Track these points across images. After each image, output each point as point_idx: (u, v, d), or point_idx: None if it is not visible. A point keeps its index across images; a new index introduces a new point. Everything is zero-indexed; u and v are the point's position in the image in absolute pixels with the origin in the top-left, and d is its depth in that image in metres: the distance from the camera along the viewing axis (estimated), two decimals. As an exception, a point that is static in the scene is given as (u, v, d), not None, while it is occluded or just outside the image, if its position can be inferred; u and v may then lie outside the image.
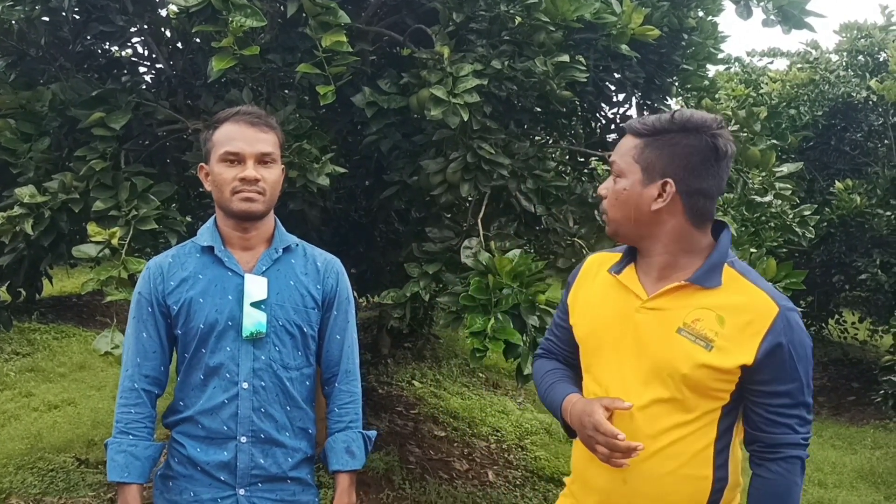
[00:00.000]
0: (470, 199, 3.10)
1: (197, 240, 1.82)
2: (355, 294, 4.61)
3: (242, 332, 1.74)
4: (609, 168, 1.69)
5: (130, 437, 1.76)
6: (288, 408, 1.83)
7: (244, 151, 1.73)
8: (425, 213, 3.44)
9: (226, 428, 1.76)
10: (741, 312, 1.48)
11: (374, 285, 4.03)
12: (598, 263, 1.74)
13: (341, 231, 4.04)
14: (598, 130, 4.06)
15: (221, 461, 1.77)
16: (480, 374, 7.75)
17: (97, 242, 2.38)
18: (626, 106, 3.72)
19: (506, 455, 5.24)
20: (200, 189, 4.14)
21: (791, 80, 7.63)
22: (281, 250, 1.84)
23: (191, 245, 1.83)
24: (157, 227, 2.55)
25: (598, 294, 1.67)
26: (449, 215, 3.29)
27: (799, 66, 8.03)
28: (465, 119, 2.60)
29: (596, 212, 3.31)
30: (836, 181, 7.00)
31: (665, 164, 1.47)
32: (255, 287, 1.76)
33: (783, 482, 1.49)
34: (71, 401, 6.21)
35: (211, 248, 1.78)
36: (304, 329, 1.83)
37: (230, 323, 1.75)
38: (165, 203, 2.71)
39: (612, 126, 3.80)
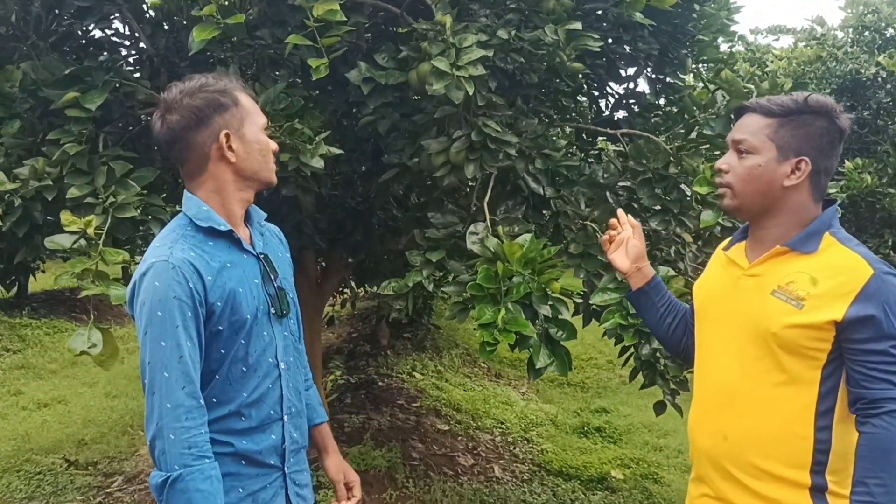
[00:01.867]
0: (475, 181, 2.91)
1: (200, 221, 1.65)
2: (353, 284, 4.42)
3: (278, 311, 1.74)
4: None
5: (207, 460, 1.56)
6: (299, 376, 1.86)
7: (266, 121, 1.76)
8: (426, 198, 3.24)
9: (272, 412, 1.73)
10: (835, 273, 1.55)
11: (372, 274, 3.83)
12: (720, 248, 1.86)
13: (337, 218, 3.84)
14: (608, 108, 3.86)
15: (272, 445, 1.72)
16: (482, 364, 7.58)
17: (72, 232, 2.18)
18: (637, 82, 3.52)
19: (511, 448, 5.06)
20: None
21: (797, 57, 7.42)
22: (262, 223, 1.86)
23: (189, 228, 1.66)
24: (137, 214, 2.35)
25: (711, 273, 1.85)
26: (452, 199, 3.09)
27: (804, 43, 7.83)
28: (470, 93, 2.39)
29: (608, 193, 3.12)
30: (846, 160, 6.80)
31: (800, 143, 1.60)
32: (273, 265, 1.77)
33: (887, 436, 1.50)
34: (62, 398, 6.02)
35: (218, 231, 1.66)
36: (295, 297, 1.88)
37: (263, 307, 1.71)
38: (147, 189, 2.50)
39: (624, 102, 3.59)
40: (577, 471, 4.67)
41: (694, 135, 3.10)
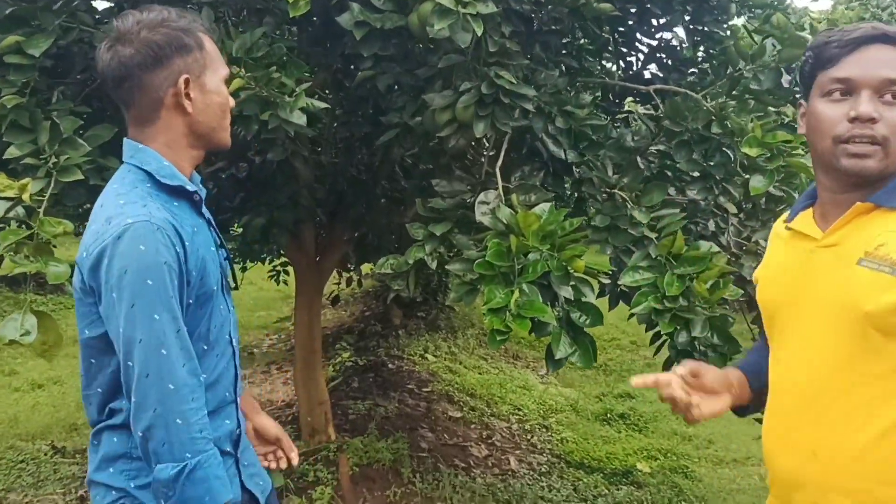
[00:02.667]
0: (485, 142, 2.54)
1: (165, 179, 1.44)
2: (354, 261, 4.06)
3: (230, 283, 1.63)
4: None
5: (213, 444, 1.40)
6: None
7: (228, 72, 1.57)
8: (432, 164, 2.87)
9: (227, 395, 1.56)
10: None
11: (375, 251, 3.48)
12: (778, 223, 1.53)
13: (337, 189, 3.49)
14: (638, 63, 3.45)
15: (228, 431, 1.55)
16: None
17: (5, 198, 1.84)
18: (672, 32, 3.11)
19: (528, 437, 4.72)
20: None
21: (838, 18, 6.94)
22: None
23: (150, 185, 1.44)
24: (84, 178, 2.01)
25: (773, 255, 1.52)
26: (460, 165, 2.73)
27: (845, 4, 7.34)
28: (479, 34, 2.02)
29: (639, 158, 2.73)
30: None
31: None
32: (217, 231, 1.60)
33: None
34: (57, 379, 5.75)
35: (183, 190, 1.48)
36: None
37: (222, 277, 1.57)
38: (103, 150, 2.16)
39: (656, 57, 3.19)
40: (599, 463, 4.32)
41: (737, 91, 2.70)
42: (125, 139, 1.49)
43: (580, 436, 4.81)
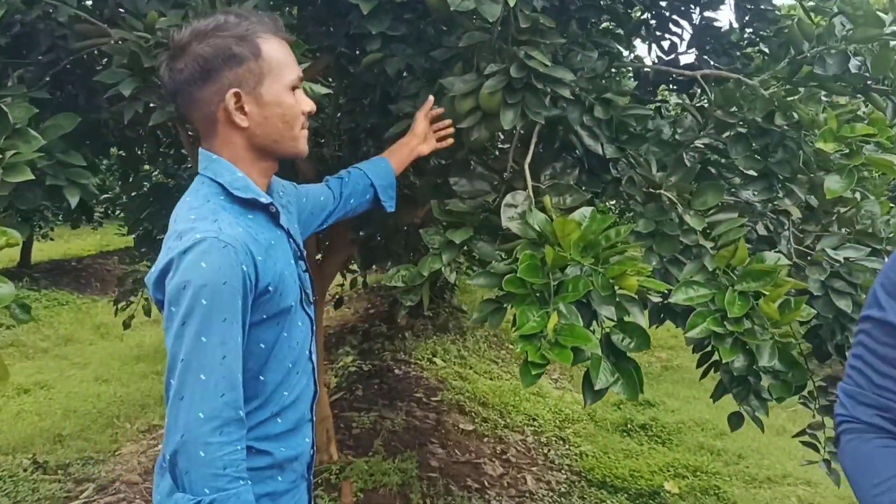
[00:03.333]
0: (511, 135, 2.21)
1: (238, 191, 1.39)
2: (360, 263, 3.73)
3: (309, 297, 1.56)
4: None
5: (242, 483, 1.28)
6: None
7: (300, 75, 1.47)
8: (448, 159, 2.54)
9: (305, 412, 1.54)
10: None
11: (383, 253, 3.15)
12: None
13: (341, 185, 3.15)
14: (671, 51, 3.11)
15: (304, 451, 1.54)
16: (511, 346, 6.90)
17: (-62, 202, 1.52)
18: (718, 9, 2.76)
19: (545, 451, 4.40)
20: (162, 135, 3.27)
21: None
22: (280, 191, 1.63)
23: (223, 198, 1.39)
24: (38, 178, 1.68)
25: None
26: (481, 160, 2.39)
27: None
28: (511, 4, 1.68)
29: (685, 154, 2.40)
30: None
31: None
32: (298, 242, 1.59)
33: None
34: (45, 383, 5.44)
35: (258, 203, 1.42)
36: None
37: (300, 291, 1.51)
38: (68, 143, 1.83)
39: (700, 38, 2.84)
40: (623, 482, 3.99)
41: (797, 78, 2.36)
42: (200, 149, 1.45)
43: (600, 449, 4.49)
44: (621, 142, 2.22)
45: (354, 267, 4.50)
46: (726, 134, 2.32)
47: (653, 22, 3.10)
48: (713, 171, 2.34)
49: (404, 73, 2.35)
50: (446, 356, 5.78)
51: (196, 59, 1.36)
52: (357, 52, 2.64)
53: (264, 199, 1.42)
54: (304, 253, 1.60)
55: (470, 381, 5.31)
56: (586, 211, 1.82)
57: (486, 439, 4.31)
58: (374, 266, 3.05)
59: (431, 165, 2.66)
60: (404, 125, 2.13)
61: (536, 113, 1.98)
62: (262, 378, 1.42)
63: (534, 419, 4.85)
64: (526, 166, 2.05)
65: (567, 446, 4.52)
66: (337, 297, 4.49)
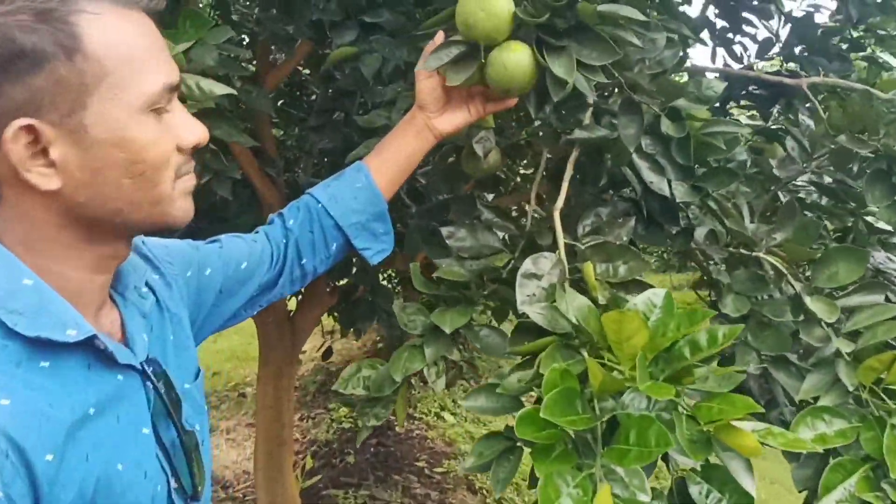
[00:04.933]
0: (533, 162, 1.51)
1: (16, 321, 0.70)
2: (339, 320, 3.02)
3: (187, 489, 0.84)
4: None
5: None
6: None
7: (174, 81, 0.78)
8: (448, 192, 1.83)
9: None
10: None
11: (367, 311, 2.43)
12: None
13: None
14: (744, 54, 2.39)
15: None
16: (533, 393, 6.13)
17: None
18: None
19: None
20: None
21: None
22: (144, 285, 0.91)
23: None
24: None
25: None
26: (487, 198, 1.69)
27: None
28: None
29: (781, 194, 1.68)
30: None
31: None
32: (170, 380, 0.85)
33: None
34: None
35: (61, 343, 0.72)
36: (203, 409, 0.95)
37: (161, 487, 0.81)
38: None
39: (796, 33, 2.09)
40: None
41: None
42: None
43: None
44: (698, 177, 1.49)
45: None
46: (851, 165, 1.59)
47: (724, 19, 2.40)
48: (840, 217, 1.61)
49: (381, 74, 1.66)
50: (456, 410, 5.04)
51: None
52: (326, 52, 1.96)
53: (76, 335, 0.73)
54: (181, 404, 0.87)
55: (483, 443, 4.57)
56: (656, 295, 1.09)
57: (498, 527, 3.57)
58: (356, 327, 2.36)
59: (424, 203, 1.95)
60: (373, 144, 1.42)
61: (568, 129, 1.27)
62: None
63: None
64: (556, 212, 1.33)
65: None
66: (325, 346, 3.79)
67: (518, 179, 2.35)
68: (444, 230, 1.43)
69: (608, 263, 1.28)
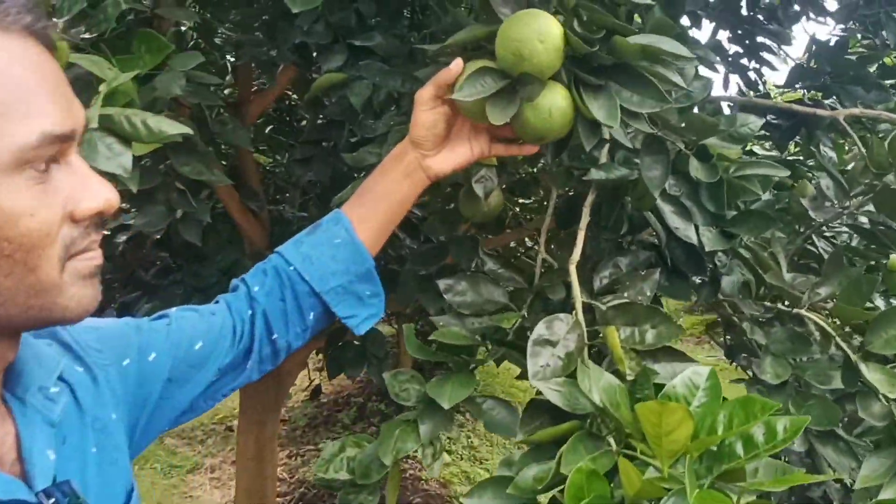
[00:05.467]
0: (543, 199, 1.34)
1: None
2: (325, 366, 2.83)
3: None
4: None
5: None
6: None
7: (76, 129, 0.60)
8: (444, 235, 1.65)
9: None
10: None
11: (356, 358, 2.25)
12: None
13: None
14: (759, 81, 2.24)
15: None
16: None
17: None
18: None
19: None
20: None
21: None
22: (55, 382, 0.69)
23: None
24: None
25: None
26: (491, 237, 1.51)
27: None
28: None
29: (817, 239, 1.51)
30: None
31: None
32: None
33: None
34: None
35: None
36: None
37: None
38: None
39: (825, 58, 1.93)
40: None
41: None
42: None
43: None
44: (729, 221, 1.31)
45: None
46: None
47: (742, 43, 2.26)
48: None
49: (371, 104, 1.49)
50: (453, 447, 4.83)
51: None
52: (312, 76, 1.80)
53: None
54: None
55: (479, 483, 4.35)
56: (698, 375, 0.91)
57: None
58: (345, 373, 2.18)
59: (418, 249, 1.77)
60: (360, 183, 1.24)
61: (582, 167, 1.10)
62: None
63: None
64: (571, 266, 1.15)
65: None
66: (314, 384, 3.59)
67: (517, 210, 2.18)
68: (442, 284, 1.25)
69: (634, 327, 1.10)
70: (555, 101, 0.96)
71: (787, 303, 1.34)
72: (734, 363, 2.04)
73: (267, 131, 2.89)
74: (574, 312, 1.10)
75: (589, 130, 0.94)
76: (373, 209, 1.05)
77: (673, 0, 1.30)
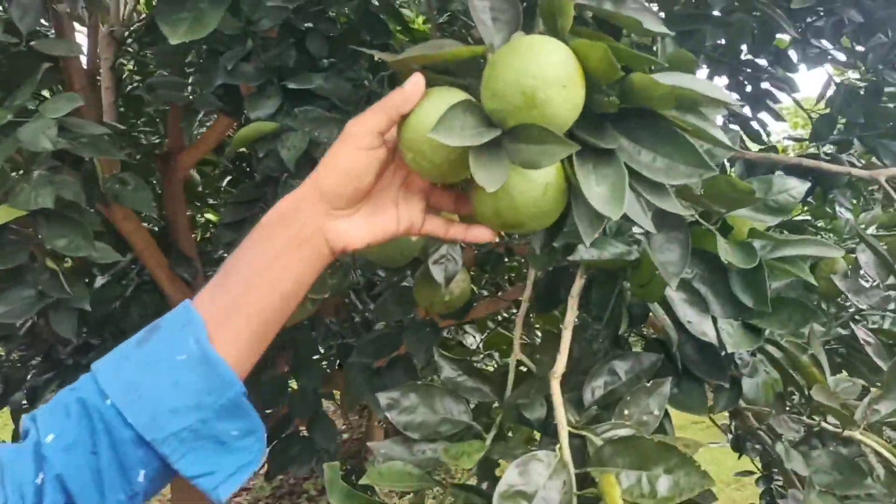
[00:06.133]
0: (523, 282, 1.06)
1: None
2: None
3: None
4: None
5: None
6: None
7: None
8: (395, 315, 1.35)
9: None
10: None
11: (305, 452, 1.92)
12: None
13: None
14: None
15: None
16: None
17: None
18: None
19: None
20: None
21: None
22: None
23: None
24: None
25: None
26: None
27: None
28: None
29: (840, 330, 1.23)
30: None
31: None
32: None
33: None
34: None
35: None
36: None
37: None
38: None
39: (858, 107, 1.66)
40: None
41: None
42: None
43: None
44: (756, 314, 1.03)
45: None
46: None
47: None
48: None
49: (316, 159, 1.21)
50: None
51: None
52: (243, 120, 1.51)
53: None
54: None
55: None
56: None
57: None
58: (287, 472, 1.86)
59: (362, 339, 1.47)
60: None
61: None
62: None
63: None
64: (554, 381, 0.86)
65: None
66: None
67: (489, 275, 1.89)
68: (384, 398, 0.94)
69: (640, 472, 0.80)
70: (550, 174, 0.66)
71: (828, 417, 1.05)
72: (742, 454, 1.74)
73: (225, 183, 2.60)
74: (558, 448, 0.80)
75: (589, 221, 0.63)
76: (243, 302, 0.67)
77: (692, 32, 1.02)
